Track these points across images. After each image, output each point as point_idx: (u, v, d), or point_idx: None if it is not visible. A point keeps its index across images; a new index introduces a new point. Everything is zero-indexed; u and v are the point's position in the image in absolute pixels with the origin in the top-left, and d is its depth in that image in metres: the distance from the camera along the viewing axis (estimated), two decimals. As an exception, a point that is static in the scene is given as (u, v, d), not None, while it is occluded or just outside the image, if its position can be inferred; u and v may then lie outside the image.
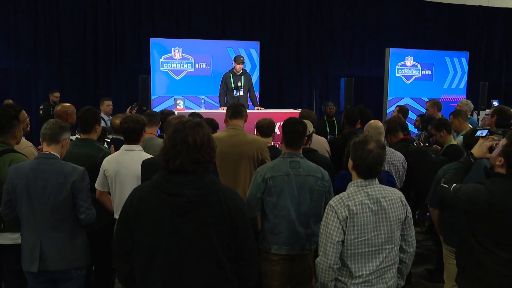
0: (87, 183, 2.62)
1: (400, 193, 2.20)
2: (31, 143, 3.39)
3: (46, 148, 2.62)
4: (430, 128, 4.45)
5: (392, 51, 8.88)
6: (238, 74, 6.58)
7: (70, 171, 2.55)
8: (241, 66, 6.55)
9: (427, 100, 6.61)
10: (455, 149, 3.93)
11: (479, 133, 2.72)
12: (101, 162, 3.05)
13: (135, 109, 6.01)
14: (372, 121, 3.77)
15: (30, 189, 2.51)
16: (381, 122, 3.81)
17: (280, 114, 5.95)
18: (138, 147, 3.03)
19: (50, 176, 2.52)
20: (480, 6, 10.72)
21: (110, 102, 6.52)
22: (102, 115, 6.01)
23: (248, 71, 7.01)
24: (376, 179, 2.15)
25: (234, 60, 6.63)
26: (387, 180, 3.05)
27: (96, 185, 3.04)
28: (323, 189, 2.68)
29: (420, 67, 9.14)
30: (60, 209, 2.53)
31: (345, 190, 2.17)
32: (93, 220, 2.65)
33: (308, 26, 9.48)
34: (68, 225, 2.58)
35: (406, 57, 9.04)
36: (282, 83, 9.43)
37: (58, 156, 2.62)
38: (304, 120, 3.31)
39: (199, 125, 1.74)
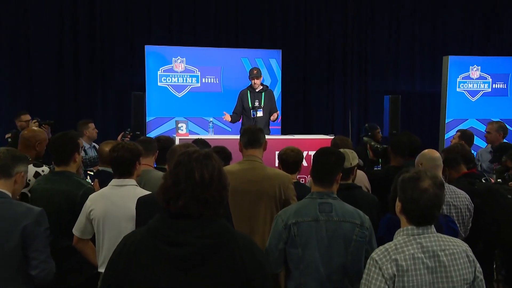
0: (45, 228, 2.58)
1: (465, 245, 2.17)
2: None
3: None
4: (505, 160, 4.40)
5: (452, 60, 8.87)
6: (257, 90, 6.69)
7: (22, 213, 2.50)
8: (257, 80, 6.66)
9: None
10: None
11: None
12: (82, 201, 3.09)
13: (129, 136, 6.12)
14: (426, 150, 3.76)
15: None
16: (438, 151, 3.80)
17: (306, 141, 5.98)
18: (131, 181, 3.08)
19: None
20: None
21: (94, 125, 6.60)
22: (83, 142, 6.07)
23: (267, 85, 7.10)
24: (433, 226, 2.14)
25: (248, 74, 6.77)
26: (447, 227, 3.01)
27: (74, 230, 3.08)
28: (362, 239, 2.66)
29: (490, 80, 9.08)
30: (4, 265, 2.46)
31: (391, 239, 2.16)
32: (50, 277, 2.58)
33: (342, 30, 9.57)
34: (14, 287, 2.48)
35: (470, 67, 9.01)
36: (310, 101, 9.49)
37: (9, 194, 2.60)
38: (347, 150, 3.34)
39: (209, 157, 1.77)
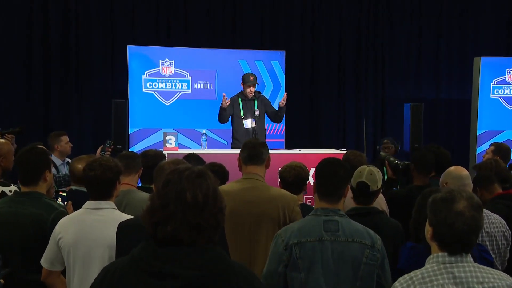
0: None
1: (510, 279, 2.16)
2: None
3: None
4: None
5: (484, 62, 8.87)
6: (249, 98, 6.73)
7: None
8: (253, 88, 6.70)
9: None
10: None
11: None
12: (53, 226, 3.07)
13: (110, 149, 6.10)
14: (452, 168, 3.77)
15: None
16: (467, 169, 3.80)
17: (314, 156, 5.98)
18: (109, 204, 3.07)
19: None
20: None
21: (68, 138, 6.59)
22: (54, 158, 6.07)
23: (269, 92, 7.12)
24: (469, 255, 2.14)
25: (242, 80, 6.80)
26: (480, 257, 2.99)
27: (42, 261, 3.06)
28: (373, 262, 2.69)
29: (531, 84, 9.10)
30: None
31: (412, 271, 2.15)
32: None
33: (355, 28, 9.61)
34: None
35: (507, 70, 9.03)
36: (318, 110, 9.51)
37: None
38: (373, 169, 3.33)
39: (202, 175, 1.77)
